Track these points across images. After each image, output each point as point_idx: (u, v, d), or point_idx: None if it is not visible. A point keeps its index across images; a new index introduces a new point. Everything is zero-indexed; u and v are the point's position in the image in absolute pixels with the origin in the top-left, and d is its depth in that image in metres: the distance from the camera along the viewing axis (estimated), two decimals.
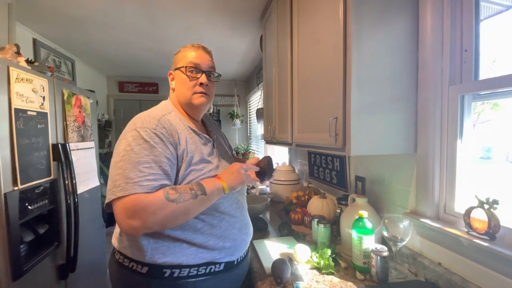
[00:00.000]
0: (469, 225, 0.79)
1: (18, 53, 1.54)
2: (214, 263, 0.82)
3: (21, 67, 1.24)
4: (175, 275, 0.78)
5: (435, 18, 0.89)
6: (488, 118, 0.89)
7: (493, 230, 0.73)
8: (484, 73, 0.84)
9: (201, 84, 0.88)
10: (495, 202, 0.74)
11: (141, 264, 0.77)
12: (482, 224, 0.75)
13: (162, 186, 0.73)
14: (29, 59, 1.76)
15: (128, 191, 0.67)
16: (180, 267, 0.78)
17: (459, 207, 0.87)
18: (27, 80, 1.24)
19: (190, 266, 0.79)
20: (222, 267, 0.84)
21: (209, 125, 1.05)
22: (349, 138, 0.86)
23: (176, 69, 0.92)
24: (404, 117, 0.93)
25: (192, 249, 0.79)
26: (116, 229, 0.86)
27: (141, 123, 0.77)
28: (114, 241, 0.86)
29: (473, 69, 0.85)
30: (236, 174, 0.82)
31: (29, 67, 1.37)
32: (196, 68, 0.88)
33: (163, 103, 0.93)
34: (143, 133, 0.74)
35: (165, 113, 0.85)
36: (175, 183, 0.79)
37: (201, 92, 0.89)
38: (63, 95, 1.53)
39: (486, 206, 0.75)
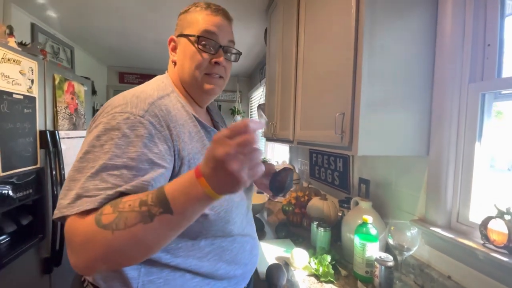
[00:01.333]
0: (485, 237, 0.71)
1: (10, 34, 1.46)
2: None
3: (9, 47, 1.16)
4: None
5: (456, 9, 0.81)
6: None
7: None
8: (508, 71, 0.77)
9: (216, 63, 0.64)
10: None
11: None
12: (501, 237, 0.68)
13: None
14: (23, 42, 1.69)
15: (76, 208, 0.44)
16: None
17: (474, 217, 0.79)
18: (14, 61, 1.16)
19: None
20: None
21: (214, 113, 0.81)
22: (356, 136, 0.79)
23: (182, 35, 0.66)
24: (417, 116, 0.86)
25: (196, 280, 0.60)
26: None
27: (124, 105, 0.53)
28: None
29: (496, 65, 0.78)
30: (224, 172, 0.37)
31: (19, 49, 1.30)
32: (212, 41, 0.64)
33: (159, 79, 0.68)
34: (121, 122, 0.50)
35: (163, 94, 0.61)
36: None
37: (214, 74, 0.66)
38: (54, 79, 1.45)
39: (507, 217, 0.68)
